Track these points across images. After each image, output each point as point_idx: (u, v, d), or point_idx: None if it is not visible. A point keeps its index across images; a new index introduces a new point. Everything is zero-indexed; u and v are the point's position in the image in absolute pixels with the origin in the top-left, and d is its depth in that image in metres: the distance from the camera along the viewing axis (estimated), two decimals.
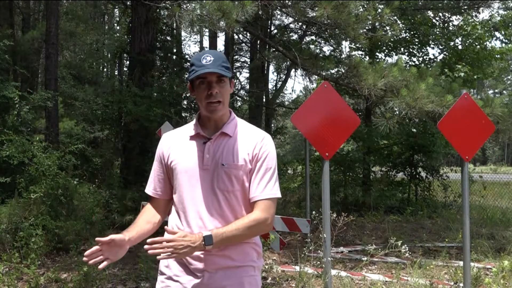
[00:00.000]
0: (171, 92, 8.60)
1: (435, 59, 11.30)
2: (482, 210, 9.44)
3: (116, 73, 19.66)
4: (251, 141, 1.79)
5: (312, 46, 13.17)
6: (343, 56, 12.00)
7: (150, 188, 1.90)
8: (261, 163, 1.78)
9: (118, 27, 19.86)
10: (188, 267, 1.73)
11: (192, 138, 1.81)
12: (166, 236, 1.60)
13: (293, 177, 13.01)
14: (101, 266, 1.61)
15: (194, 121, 1.87)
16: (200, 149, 1.77)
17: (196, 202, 1.75)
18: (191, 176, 1.76)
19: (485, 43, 10.75)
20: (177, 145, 1.83)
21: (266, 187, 1.76)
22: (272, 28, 16.12)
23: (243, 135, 1.81)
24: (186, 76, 1.75)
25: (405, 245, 4.49)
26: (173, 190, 1.84)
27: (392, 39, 10.50)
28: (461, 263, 4.82)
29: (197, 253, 1.67)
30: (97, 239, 1.61)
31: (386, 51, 11.40)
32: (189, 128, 1.86)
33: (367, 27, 8.68)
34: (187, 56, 10.91)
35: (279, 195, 1.80)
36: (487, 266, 5.24)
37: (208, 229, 1.67)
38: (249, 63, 18.45)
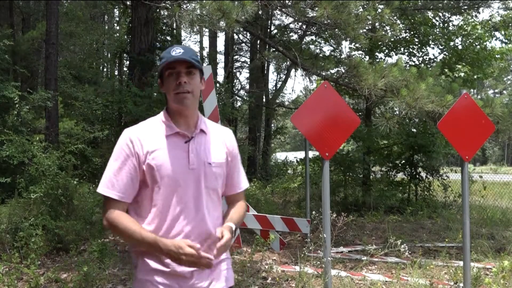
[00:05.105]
0: None
1: (435, 59, 11.29)
2: (482, 210, 9.42)
3: (116, 73, 19.69)
4: (224, 137, 1.85)
5: (312, 46, 13.17)
6: (343, 56, 11.98)
7: (115, 190, 1.65)
8: (236, 156, 1.88)
9: (118, 27, 19.88)
10: (172, 273, 1.65)
11: (169, 136, 1.70)
12: (222, 240, 1.61)
13: (293, 177, 13.01)
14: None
15: (160, 118, 1.75)
16: (184, 148, 1.69)
17: (182, 205, 1.66)
18: (176, 177, 1.65)
19: (485, 43, 10.75)
20: (154, 144, 1.67)
21: (244, 178, 1.94)
22: (272, 28, 16.14)
23: (214, 131, 1.83)
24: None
25: (405, 245, 4.49)
26: (139, 194, 1.69)
27: (392, 39, 10.49)
28: (461, 263, 4.81)
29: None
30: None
31: (386, 51, 11.39)
32: (158, 125, 1.73)
33: (367, 27, 8.67)
34: None
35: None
36: (487, 266, 5.23)
37: (195, 233, 1.66)
38: (249, 63, 18.46)
